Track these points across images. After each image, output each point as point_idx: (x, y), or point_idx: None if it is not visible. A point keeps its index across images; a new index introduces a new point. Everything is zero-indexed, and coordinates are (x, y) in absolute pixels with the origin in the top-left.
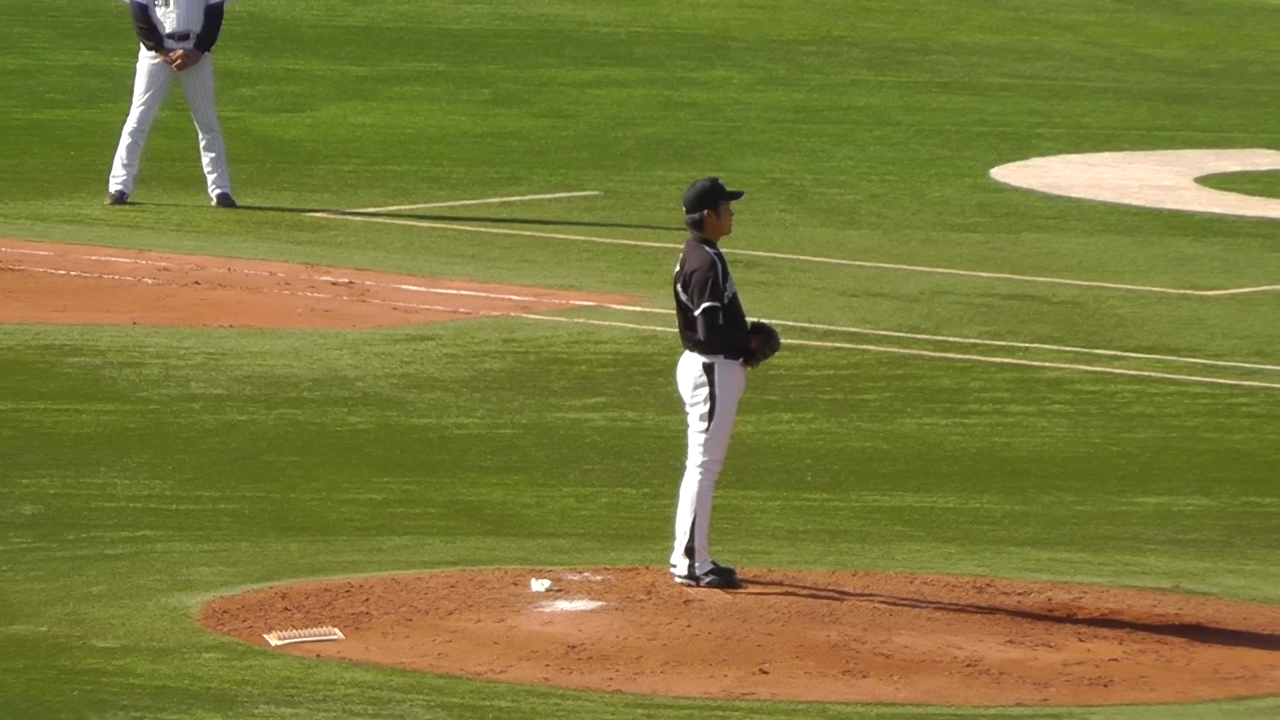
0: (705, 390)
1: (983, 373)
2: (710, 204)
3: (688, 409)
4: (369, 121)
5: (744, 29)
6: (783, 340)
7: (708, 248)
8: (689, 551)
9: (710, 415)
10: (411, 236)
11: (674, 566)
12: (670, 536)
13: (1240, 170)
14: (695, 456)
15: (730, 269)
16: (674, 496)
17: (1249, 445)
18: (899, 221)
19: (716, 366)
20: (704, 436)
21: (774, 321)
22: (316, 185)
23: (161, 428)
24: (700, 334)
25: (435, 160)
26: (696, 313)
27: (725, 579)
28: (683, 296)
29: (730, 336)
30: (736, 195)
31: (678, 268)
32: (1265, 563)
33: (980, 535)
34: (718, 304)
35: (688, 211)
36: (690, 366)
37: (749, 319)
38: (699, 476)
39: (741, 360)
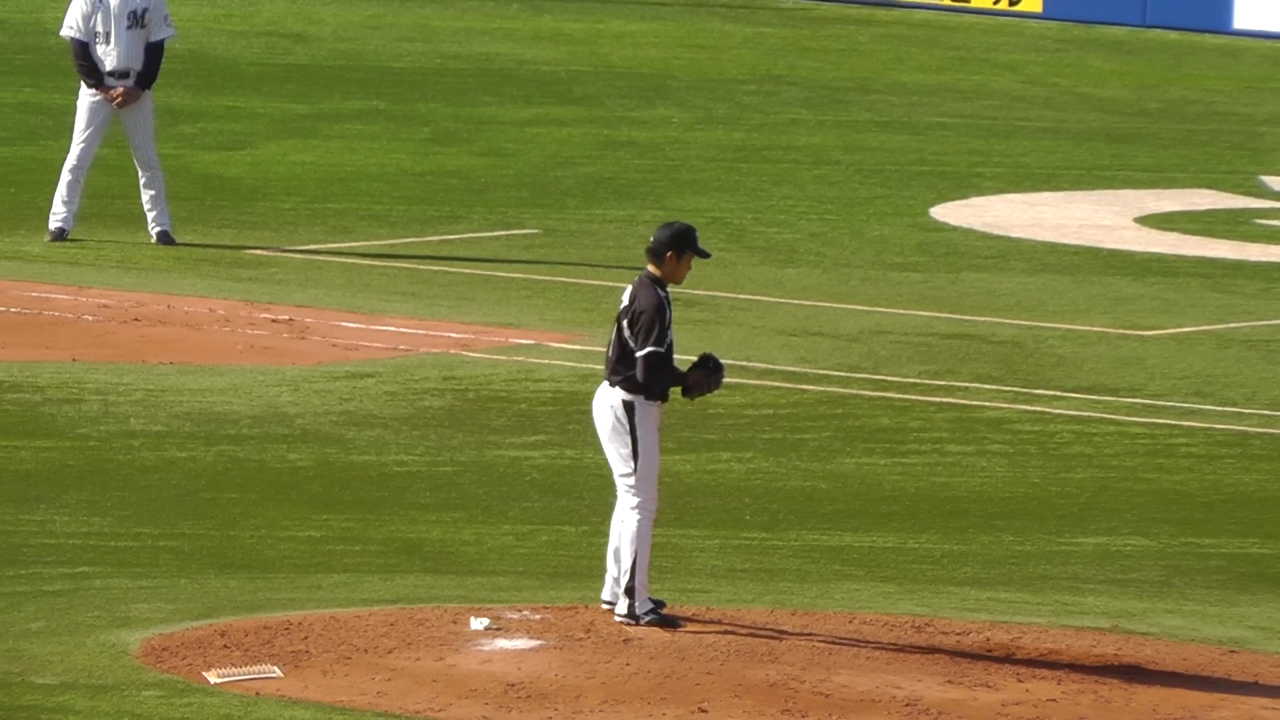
0: (625, 429)
1: (922, 412)
2: (678, 248)
3: (605, 443)
4: (309, 159)
5: (684, 68)
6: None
7: (659, 289)
8: (629, 591)
9: (634, 455)
10: (351, 274)
11: (606, 604)
12: (603, 572)
13: (1180, 210)
14: (627, 499)
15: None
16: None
17: (1188, 486)
18: (838, 260)
19: (637, 405)
20: (633, 478)
21: None
22: (256, 223)
23: (101, 464)
24: (639, 375)
25: (375, 198)
26: (639, 354)
27: (664, 620)
28: (626, 333)
29: (665, 380)
30: (704, 254)
31: (626, 301)
32: (1204, 603)
33: (919, 575)
34: (660, 350)
35: (655, 244)
36: (608, 400)
37: (700, 353)
38: (637, 517)
39: (682, 391)
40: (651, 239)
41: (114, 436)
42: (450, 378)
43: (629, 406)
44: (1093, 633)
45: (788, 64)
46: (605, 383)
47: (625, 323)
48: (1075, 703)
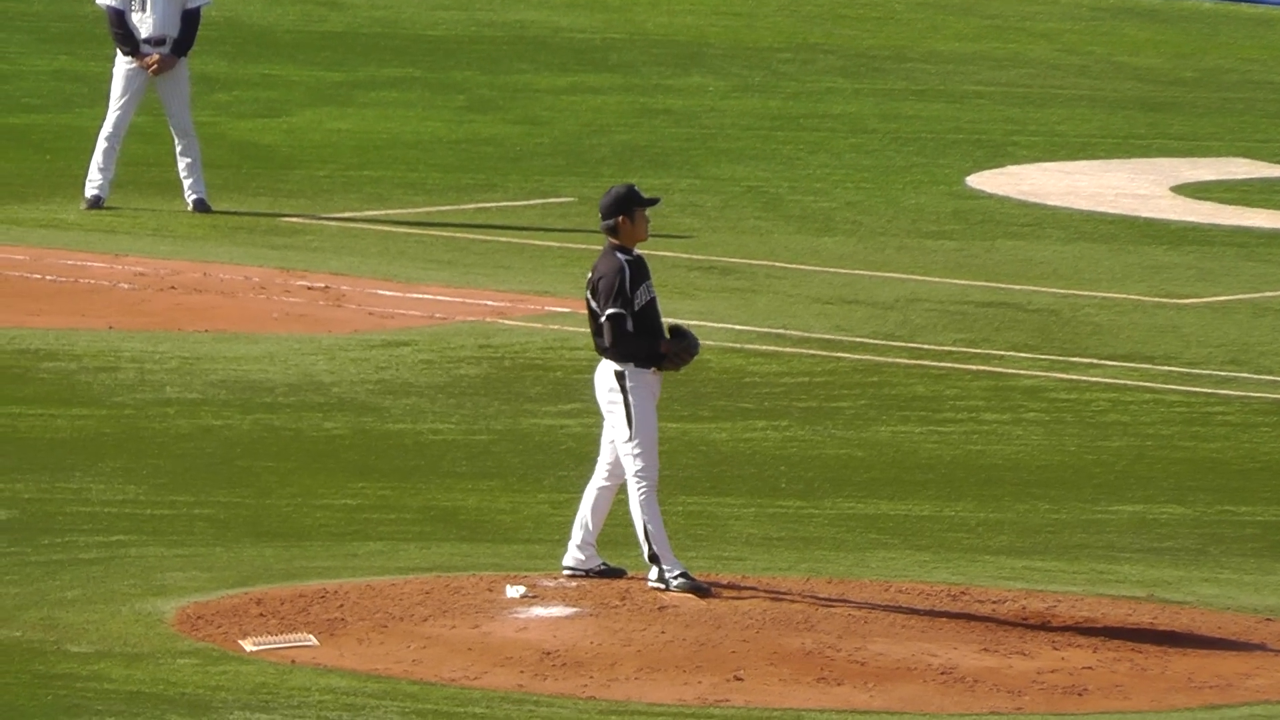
0: (620, 398)
1: (958, 380)
2: (625, 210)
3: (605, 416)
4: (344, 127)
5: (720, 36)
6: (702, 344)
7: (620, 254)
8: (653, 559)
9: (629, 423)
10: (387, 242)
11: (567, 570)
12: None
13: (1215, 179)
14: (630, 466)
15: (650, 275)
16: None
17: (1224, 454)
18: (874, 229)
19: (627, 374)
20: (630, 446)
21: (749, 329)
22: (292, 190)
23: (136, 432)
24: (605, 339)
25: (411, 166)
26: (602, 318)
27: (695, 585)
28: (592, 303)
29: (637, 344)
30: (652, 202)
31: (590, 275)
32: (1240, 571)
33: (955, 543)
34: (622, 311)
35: (603, 218)
36: (604, 375)
37: (670, 321)
38: (639, 485)
39: (654, 367)
40: (600, 219)
41: (149, 404)
42: (486, 346)
43: (619, 376)
44: (1128, 601)
45: (824, 32)
46: (601, 360)
47: (589, 293)
48: (1111, 670)
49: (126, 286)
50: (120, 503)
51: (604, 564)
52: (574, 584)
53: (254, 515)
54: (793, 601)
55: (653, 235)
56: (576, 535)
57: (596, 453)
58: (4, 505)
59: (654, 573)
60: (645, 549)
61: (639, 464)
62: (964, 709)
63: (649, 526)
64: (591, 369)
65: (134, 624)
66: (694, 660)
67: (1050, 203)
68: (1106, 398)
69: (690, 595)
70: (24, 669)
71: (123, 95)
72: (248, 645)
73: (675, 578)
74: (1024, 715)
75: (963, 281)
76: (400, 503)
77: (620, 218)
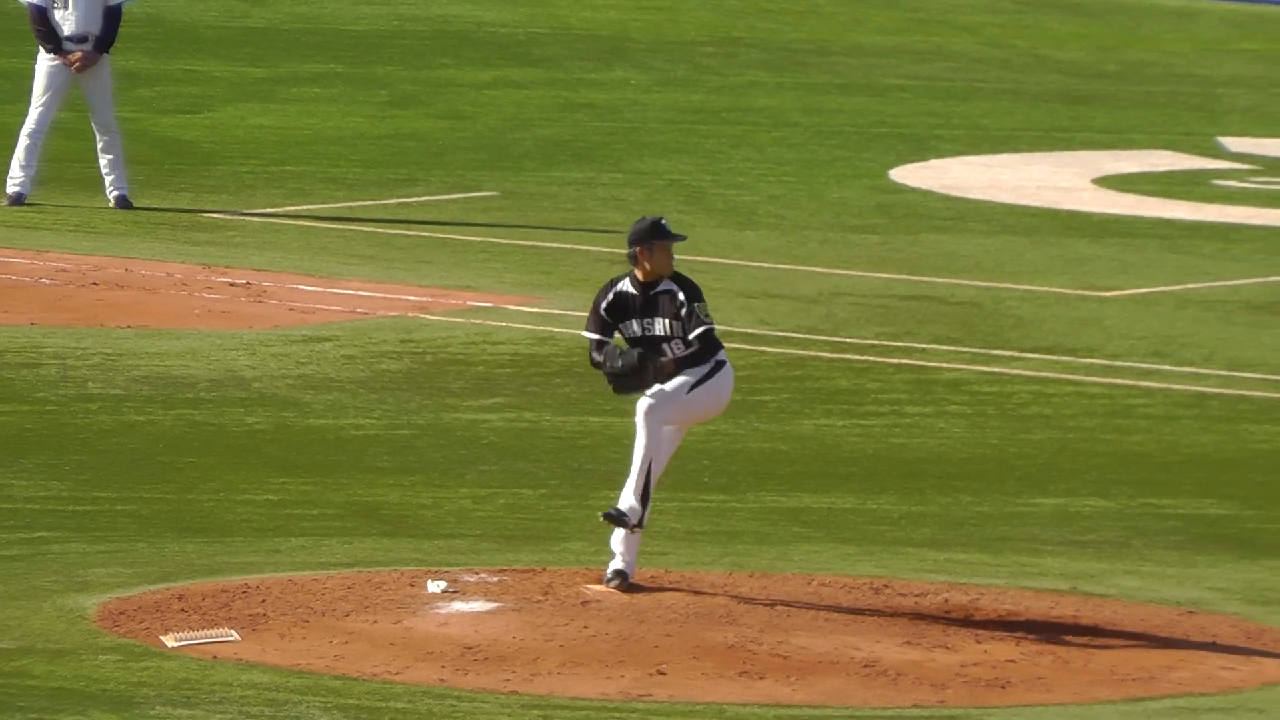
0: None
1: (880, 374)
2: (643, 242)
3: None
4: (267, 123)
5: (643, 30)
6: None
7: (613, 282)
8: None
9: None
10: (309, 237)
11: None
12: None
13: (1138, 171)
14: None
15: (653, 313)
16: (571, 497)
17: (1146, 446)
18: (797, 222)
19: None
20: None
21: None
22: (214, 186)
23: (59, 428)
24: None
25: (333, 161)
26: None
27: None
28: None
29: (594, 365)
30: (677, 238)
31: None
32: (1162, 564)
33: (878, 536)
34: (588, 334)
35: (626, 245)
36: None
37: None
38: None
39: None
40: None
41: (72, 400)
42: (408, 340)
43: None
44: (1051, 594)
45: (746, 25)
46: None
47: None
48: (1034, 664)
49: (48, 282)
50: (43, 499)
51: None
52: (495, 579)
53: (176, 511)
54: (715, 595)
55: (575, 229)
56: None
57: (528, 449)
58: None
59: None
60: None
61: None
62: (887, 702)
63: (638, 482)
64: (514, 364)
65: (56, 620)
66: (616, 655)
67: (973, 196)
68: (1029, 390)
69: (613, 589)
70: None
71: (45, 92)
72: (170, 641)
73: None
74: (947, 709)
75: (885, 275)
76: (322, 498)
77: (638, 249)
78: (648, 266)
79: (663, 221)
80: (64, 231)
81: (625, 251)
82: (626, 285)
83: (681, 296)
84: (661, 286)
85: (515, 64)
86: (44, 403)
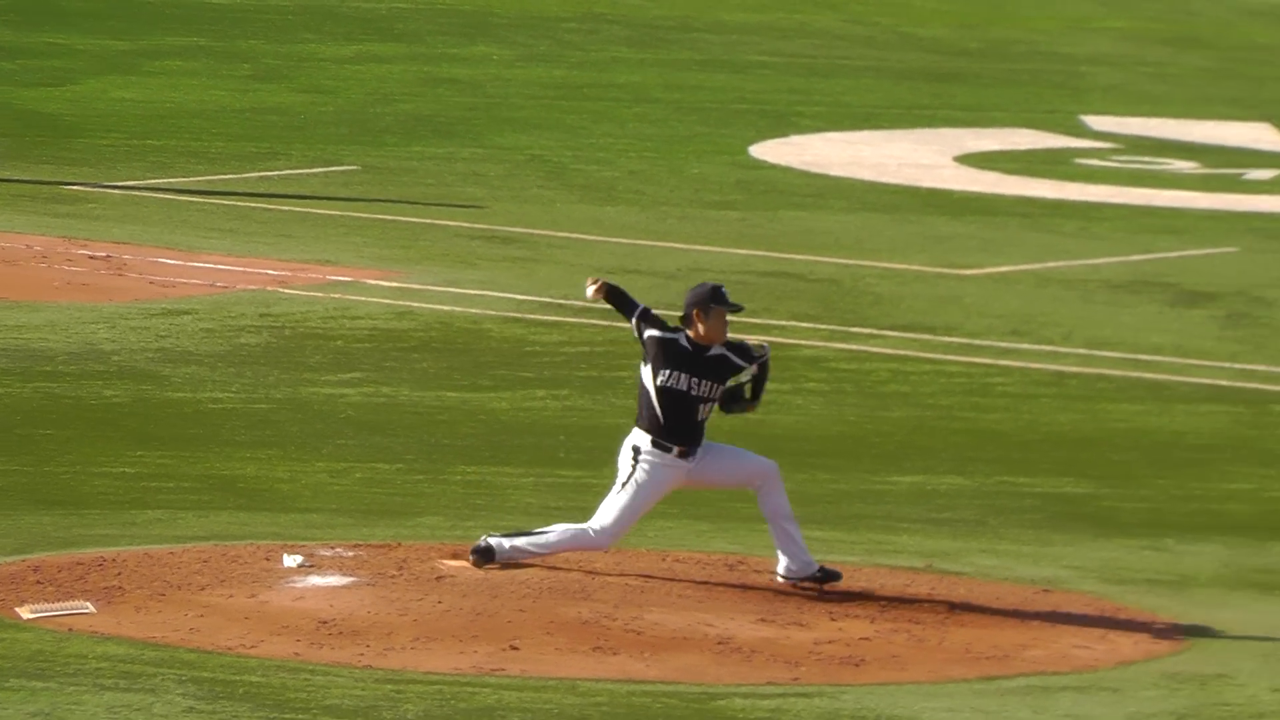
0: (629, 462)
1: None
2: (701, 305)
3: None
4: (130, 96)
5: (506, 5)
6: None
7: (675, 332)
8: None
9: (624, 484)
10: (170, 210)
11: (780, 578)
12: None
13: (1000, 149)
14: (596, 520)
15: (701, 373)
16: (427, 472)
17: (1004, 425)
18: (657, 198)
19: (642, 447)
20: (610, 504)
21: (530, 298)
22: (76, 159)
23: None
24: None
25: (195, 135)
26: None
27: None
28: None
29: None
30: (736, 308)
31: None
32: (1018, 543)
33: (733, 513)
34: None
35: (684, 307)
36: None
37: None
38: (584, 534)
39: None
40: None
41: None
42: (267, 315)
43: (635, 449)
44: (907, 572)
45: (609, 2)
46: None
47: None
48: (889, 641)
49: None
50: None
51: (821, 567)
52: (351, 554)
53: (32, 483)
54: (570, 571)
55: (435, 204)
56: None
57: (385, 424)
58: None
59: (496, 540)
60: (500, 538)
61: (601, 522)
62: (741, 679)
63: (531, 546)
64: (373, 339)
65: None
66: (470, 629)
67: (833, 173)
68: (887, 368)
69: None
70: None
71: None
72: (24, 613)
73: (480, 556)
74: (801, 686)
75: (745, 251)
76: (179, 471)
77: (695, 311)
78: (701, 330)
79: (723, 289)
80: None
81: (680, 311)
82: (683, 339)
83: (736, 360)
84: (715, 351)
85: (378, 39)
86: None
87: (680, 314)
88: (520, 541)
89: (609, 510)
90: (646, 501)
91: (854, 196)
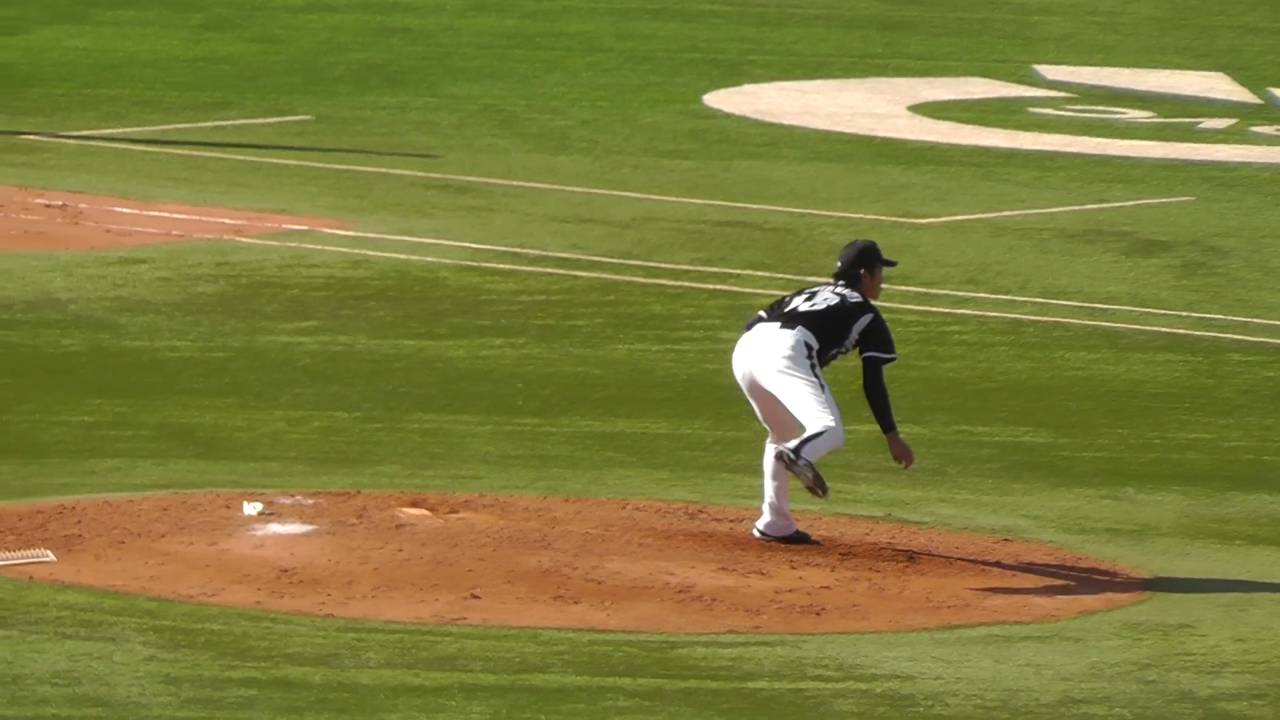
0: (807, 368)
1: (694, 299)
2: (867, 264)
3: (766, 387)
4: (82, 45)
5: None
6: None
7: (861, 300)
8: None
9: (822, 387)
10: (124, 160)
11: (759, 533)
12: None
13: (953, 98)
14: (819, 422)
15: None
16: (384, 420)
17: (960, 374)
18: (610, 147)
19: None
20: (818, 408)
21: (485, 247)
22: (29, 108)
23: None
24: (868, 380)
25: (148, 84)
26: (877, 357)
27: (817, 476)
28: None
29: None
30: (891, 263)
31: (835, 287)
32: (977, 492)
33: (692, 461)
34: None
35: (844, 266)
36: (780, 345)
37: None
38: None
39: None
40: (839, 266)
41: None
42: (223, 264)
43: (810, 349)
44: (866, 521)
45: None
46: (772, 325)
47: (819, 304)
48: (849, 590)
49: None
50: None
51: (796, 530)
52: (310, 502)
53: None
54: (529, 520)
55: (389, 153)
56: (768, 495)
57: (342, 372)
58: None
59: (793, 446)
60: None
61: (833, 409)
62: (701, 628)
63: (824, 437)
64: (328, 287)
65: None
66: (430, 578)
67: (786, 122)
68: None
69: (809, 479)
70: None
71: None
72: None
73: (805, 464)
74: (761, 634)
75: (699, 200)
76: (137, 420)
77: (863, 270)
78: (873, 287)
79: (877, 245)
80: None
81: (844, 270)
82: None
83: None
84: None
85: None
86: None
87: (840, 271)
88: (806, 449)
89: (824, 404)
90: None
91: (807, 146)
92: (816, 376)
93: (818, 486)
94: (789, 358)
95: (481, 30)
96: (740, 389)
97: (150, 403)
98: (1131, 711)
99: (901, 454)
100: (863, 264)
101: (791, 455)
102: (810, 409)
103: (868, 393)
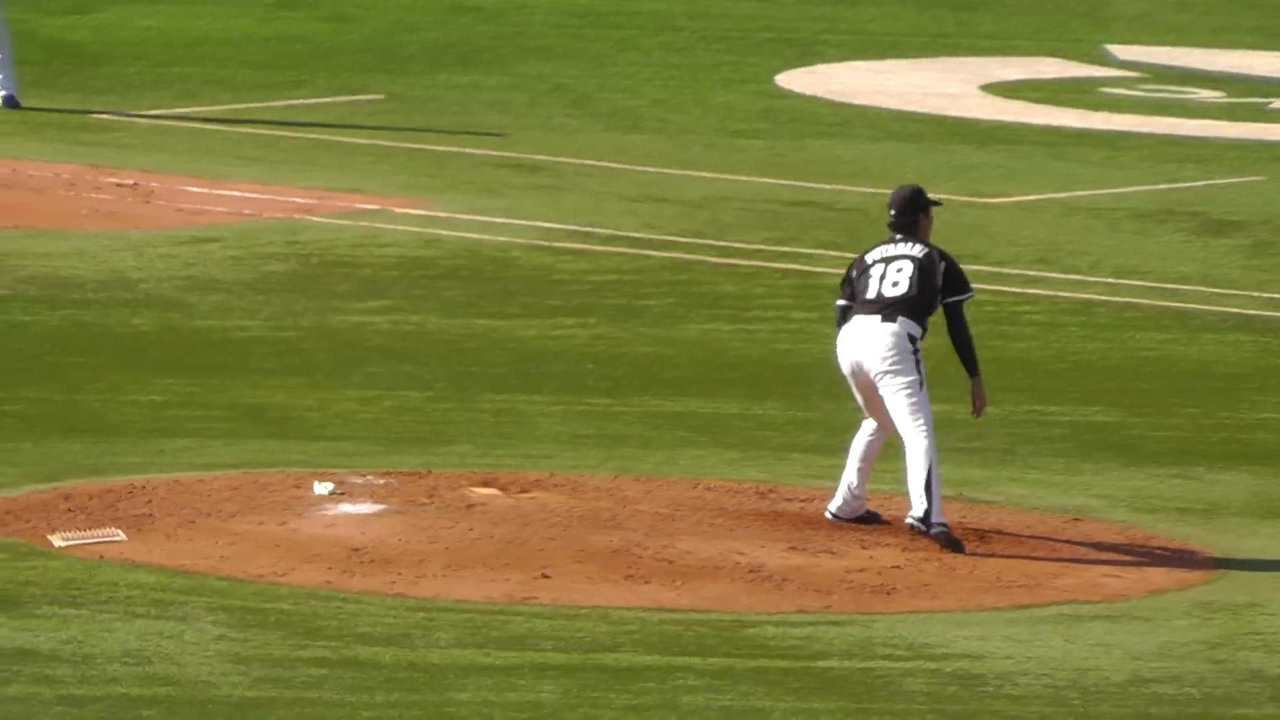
0: (913, 360)
1: (766, 279)
2: (924, 209)
3: (874, 381)
4: (154, 24)
5: None
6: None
7: (930, 248)
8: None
9: (922, 384)
10: (196, 139)
11: (832, 515)
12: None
13: (1024, 78)
14: (921, 417)
15: None
16: (455, 400)
17: (1032, 354)
18: (682, 127)
19: (919, 341)
20: (921, 400)
21: (557, 226)
22: (102, 87)
23: None
24: (958, 326)
25: (220, 63)
26: (959, 300)
27: (950, 540)
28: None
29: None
30: (937, 203)
31: (905, 249)
32: (1048, 471)
33: (763, 441)
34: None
35: (900, 214)
36: (884, 338)
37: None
38: (926, 431)
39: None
40: (893, 215)
41: None
42: (294, 242)
43: (914, 340)
44: None
45: None
46: (873, 319)
47: (910, 263)
48: (919, 570)
49: None
50: None
51: (868, 510)
52: (381, 481)
53: (62, 411)
54: (600, 499)
55: (461, 132)
56: (844, 486)
57: (414, 352)
58: None
59: (919, 508)
60: (919, 490)
61: (927, 414)
62: (772, 608)
63: (931, 471)
64: (400, 266)
65: None
66: (501, 558)
67: (859, 102)
68: None
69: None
70: None
71: None
72: (56, 540)
73: (937, 525)
74: (832, 614)
75: (771, 180)
76: (207, 399)
77: (920, 216)
78: (929, 229)
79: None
80: None
81: (899, 219)
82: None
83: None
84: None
85: None
86: None
87: (896, 223)
88: (927, 496)
89: (921, 411)
90: None
91: (879, 125)
92: (919, 372)
93: (954, 548)
94: (896, 358)
95: (554, 9)
96: (844, 377)
97: (221, 382)
98: (1201, 691)
99: (981, 399)
100: (919, 209)
101: (922, 528)
102: (910, 423)
103: (955, 338)
